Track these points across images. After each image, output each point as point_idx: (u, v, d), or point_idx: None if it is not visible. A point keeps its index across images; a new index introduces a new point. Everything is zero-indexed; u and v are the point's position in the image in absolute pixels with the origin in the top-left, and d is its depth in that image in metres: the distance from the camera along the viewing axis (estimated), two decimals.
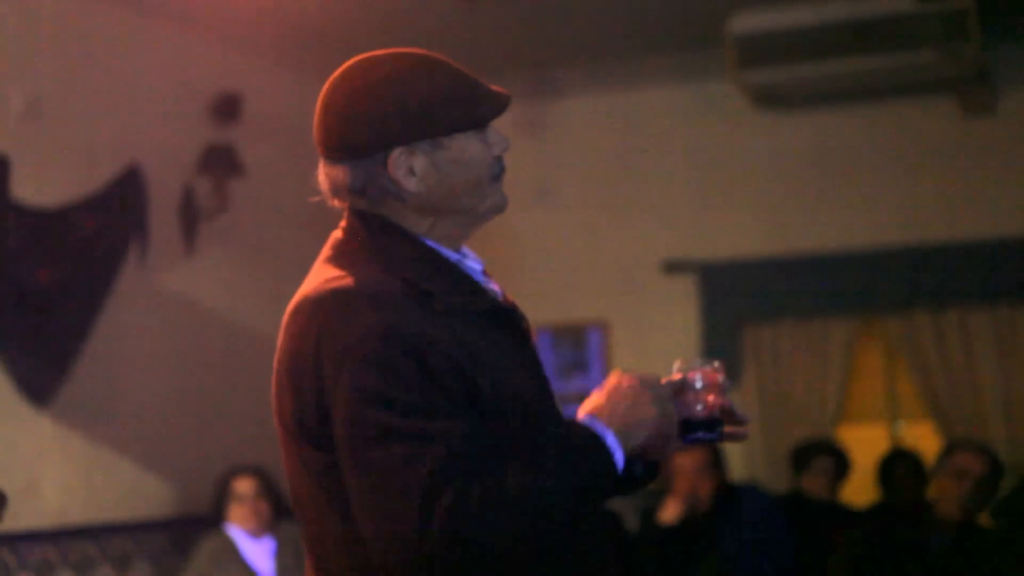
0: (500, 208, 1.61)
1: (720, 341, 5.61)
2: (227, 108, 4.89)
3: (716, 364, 1.59)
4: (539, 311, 4.21)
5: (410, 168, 1.49)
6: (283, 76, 5.49)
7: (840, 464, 4.90)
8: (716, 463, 4.51)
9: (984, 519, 4.19)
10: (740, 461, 5.28)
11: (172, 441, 4.81)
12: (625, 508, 4.72)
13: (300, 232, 5.21)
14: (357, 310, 1.42)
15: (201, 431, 4.94)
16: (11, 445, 4.18)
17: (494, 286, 1.62)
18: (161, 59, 4.85)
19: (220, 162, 4.89)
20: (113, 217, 4.56)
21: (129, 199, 4.63)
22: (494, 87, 1.60)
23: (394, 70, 1.53)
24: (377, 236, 1.52)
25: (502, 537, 1.37)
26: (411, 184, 1.49)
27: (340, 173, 1.53)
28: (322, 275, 1.49)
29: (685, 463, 4.49)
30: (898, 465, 4.89)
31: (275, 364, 1.52)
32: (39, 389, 4.29)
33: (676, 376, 1.58)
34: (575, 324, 6.07)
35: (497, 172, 1.57)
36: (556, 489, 1.40)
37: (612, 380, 1.51)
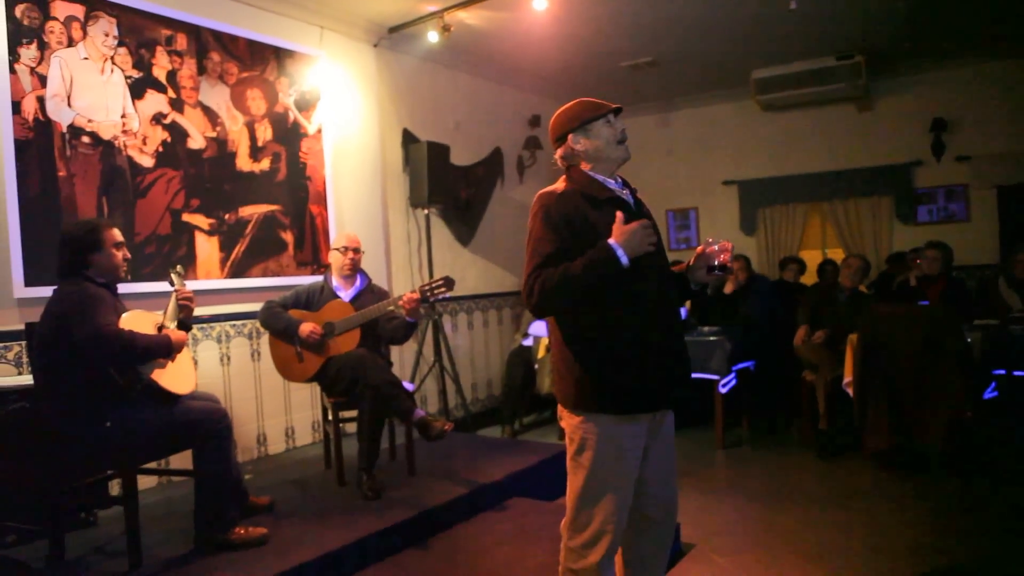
0: (624, 158, 2.27)
1: (748, 216, 7.78)
2: (534, 121, 7.15)
3: (727, 242, 2.22)
4: (669, 203, 7.17)
5: (577, 141, 2.27)
6: (557, 104, 5.97)
7: (802, 267, 6.64)
8: (747, 265, 6.22)
9: (863, 288, 5.59)
10: (756, 265, 7.28)
11: (514, 258, 6.88)
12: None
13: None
14: (540, 197, 2.21)
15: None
16: (453, 265, 6.23)
17: (625, 191, 2.31)
18: (507, 101, 6.91)
19: (531, 144, 7.08)
20: (490, 168, 6.65)
21: (496, 160, 6.78)
22: (613, 104, 2.28)
23: (567, 106, 2.32)
24: (569, 172, 2.30)
25: (555, 294, 2.11)
26: (578, 147, 2.27)
27: (559, 150, 2.33)
28: (548, 188, 2.23)
29: (734, 264, 5.53)
30: (826, 266, 6.28)
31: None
32: (464, 238, 6.38)
33: (709, 241, 2.23)
34: (684, 208, 8.12)
35: (620, 139, 2.28)
36: (578, 275, 2.10)
37: (624, 223, 2.09)
